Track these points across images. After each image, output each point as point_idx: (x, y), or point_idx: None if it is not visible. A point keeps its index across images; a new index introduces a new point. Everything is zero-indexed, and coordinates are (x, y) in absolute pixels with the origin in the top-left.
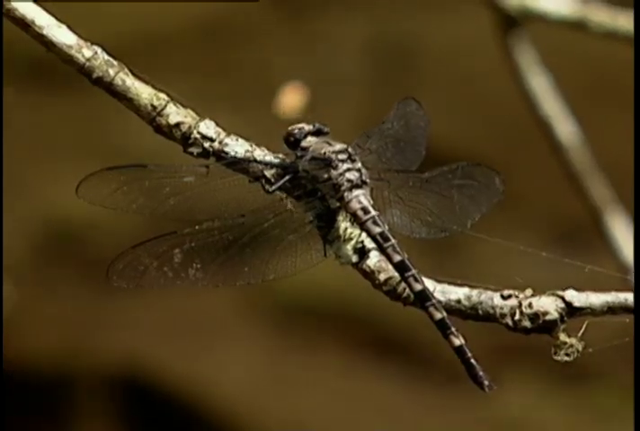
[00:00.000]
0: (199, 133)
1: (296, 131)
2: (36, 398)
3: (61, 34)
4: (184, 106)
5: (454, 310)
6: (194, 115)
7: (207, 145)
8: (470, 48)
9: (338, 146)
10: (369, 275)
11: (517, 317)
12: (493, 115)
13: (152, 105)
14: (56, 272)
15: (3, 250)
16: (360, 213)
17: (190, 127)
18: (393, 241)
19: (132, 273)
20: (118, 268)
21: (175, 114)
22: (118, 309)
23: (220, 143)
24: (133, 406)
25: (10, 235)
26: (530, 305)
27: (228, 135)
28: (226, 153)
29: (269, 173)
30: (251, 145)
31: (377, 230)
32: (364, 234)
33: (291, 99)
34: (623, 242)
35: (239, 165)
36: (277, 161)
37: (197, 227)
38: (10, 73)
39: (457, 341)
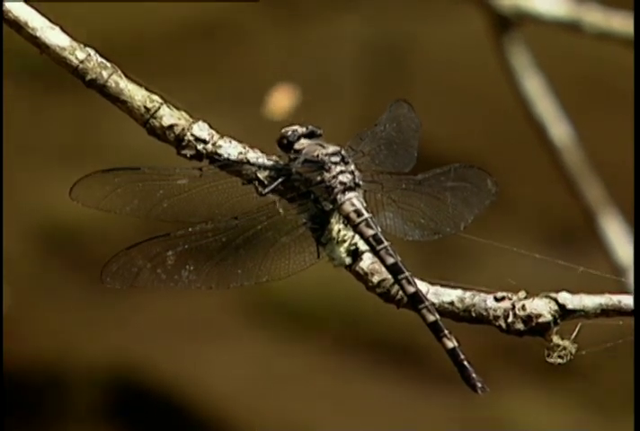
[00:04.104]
0: (192, 135)
1: (289, 133)
2: (30, 397)
3: (54, 36)
4: (178, 108)
5: (447, 312)
6: (188, 117)
7: (200, 147)
8: (464, 49)
9: (331, 149)
10: (363, 277)
11: (510, 319)
12: (486, 116)
13: (145, 107)
14: (50, 273)
15: (2, 250)
16: (352, 215)
17: (183, 130)
18: (386, 243)
19: (126, 274)
20: (111, 270)
21: (169, 116)
22: (112, 309)
23: (214, 145)
24: (126, 406)
25: (5, 236)
26: (524, 307)
27: (222, 137)
28: (220, 156)
29: (262, 175)
30: (244, 148)
31: (370, 232)
32: (357, 236)
33: (281, 100)
34: (617, 244)
35: (232, 167)
36: (270, 163)
37: (190, 229)
38: (5, 73)
39: (450, 344)
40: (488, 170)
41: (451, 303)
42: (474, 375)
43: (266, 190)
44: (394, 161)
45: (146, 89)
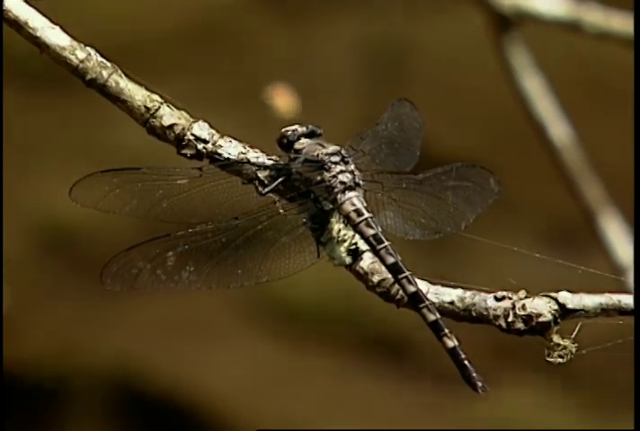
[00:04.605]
0: (192, 135)
1: (289, 133)
2: (30, 397)
3: (54, 35)
4: (178, 108)
5: (447, 311)
6: (188, 117)
7: (200, 146)
8: (463, 49)
9: (331, 148)
10: (363, 276)
11: (510, 319)
12: (486, 116)
13: (145, 107)
14: (50, 273)
15: (2, 251)
16: (353, 215)
17: (183, 129)
18: (386, 243)
19: (125, 276)
20: (111, 271)
21: (169, 116)
22: (113, 310)
23: (214, 144)
24: (126, 406)
25: (5, 236)
26: (524, 307)
27: (222, 136)
28: (220, 155)
29: (262, 175)
30: (244, 147)
31: (370, 232)
32: (357, 236)
33: (280, 100)
34: (617, 243)
35: (232, 167)
36: (270, 163)
37: (190, 230)
38: (5, 73)
39: (451, 343)
40: (488, 169)
41: (452, 303)
42: (474, 375)
43: (266, 190)
44: (395, 160)
45: (147, 88)
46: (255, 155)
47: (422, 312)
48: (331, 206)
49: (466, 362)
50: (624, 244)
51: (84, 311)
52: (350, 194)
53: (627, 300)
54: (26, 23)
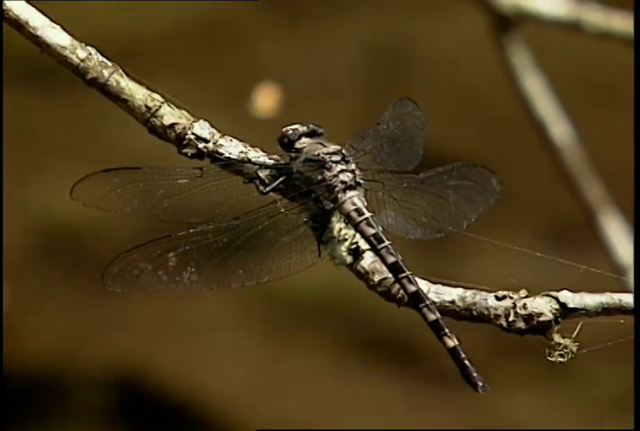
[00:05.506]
0: (193, 134)
1: (290, 132)
2: (30, 398)
3: (55, 35)
4: (179, 107)
5: (448, 311)
6: (189, 116)
7: (201, 145)
8: (464, 49)
9: (332, 148)
10: (364, 276)
11: (511, 318)
12: (487, 116)
13: (146, 106)
14: (51, 273)
15: (2, 251)
16: (353, 214)
17: (184, 128)
18: (387, 242)
19: (127, 277)
20: (112, 273)
21: (170, 115)
22: (113, 310)
23: (215, 144)
24: (126, 406)
25: (5, 236)
26: (525, 306)
27: (223, 136)
28: (221, 155)
29: (263, 174)
30: (245, 146)
31: (370, 231)
32: (358, 235)
33: (265, 99)
34: (617, 243)
35: (233, 166)
36: (271, 162)
37: (191, 230)
38: (5, 73)
39: (451, 343)
40: (490, 168)
41: (452, 302)
42: (474, 374)
43: (267, 189)
44: (397, 159)
45: (147, 88)
46: (256, 155)
47: (423, 311)
48: (332, 206)
49: (466, 361)
50: (624, 243)
51: (84, 310)
52: (350, 193)
53: (628, 299)
54: (27, 23)
